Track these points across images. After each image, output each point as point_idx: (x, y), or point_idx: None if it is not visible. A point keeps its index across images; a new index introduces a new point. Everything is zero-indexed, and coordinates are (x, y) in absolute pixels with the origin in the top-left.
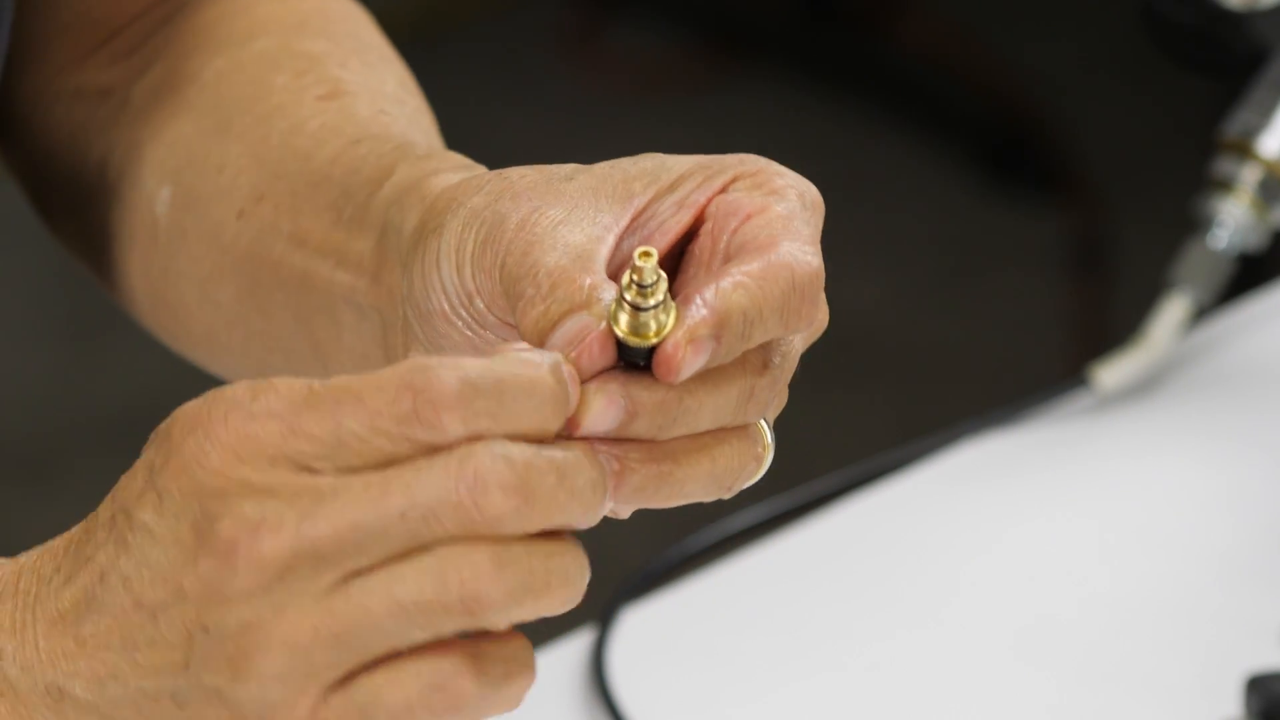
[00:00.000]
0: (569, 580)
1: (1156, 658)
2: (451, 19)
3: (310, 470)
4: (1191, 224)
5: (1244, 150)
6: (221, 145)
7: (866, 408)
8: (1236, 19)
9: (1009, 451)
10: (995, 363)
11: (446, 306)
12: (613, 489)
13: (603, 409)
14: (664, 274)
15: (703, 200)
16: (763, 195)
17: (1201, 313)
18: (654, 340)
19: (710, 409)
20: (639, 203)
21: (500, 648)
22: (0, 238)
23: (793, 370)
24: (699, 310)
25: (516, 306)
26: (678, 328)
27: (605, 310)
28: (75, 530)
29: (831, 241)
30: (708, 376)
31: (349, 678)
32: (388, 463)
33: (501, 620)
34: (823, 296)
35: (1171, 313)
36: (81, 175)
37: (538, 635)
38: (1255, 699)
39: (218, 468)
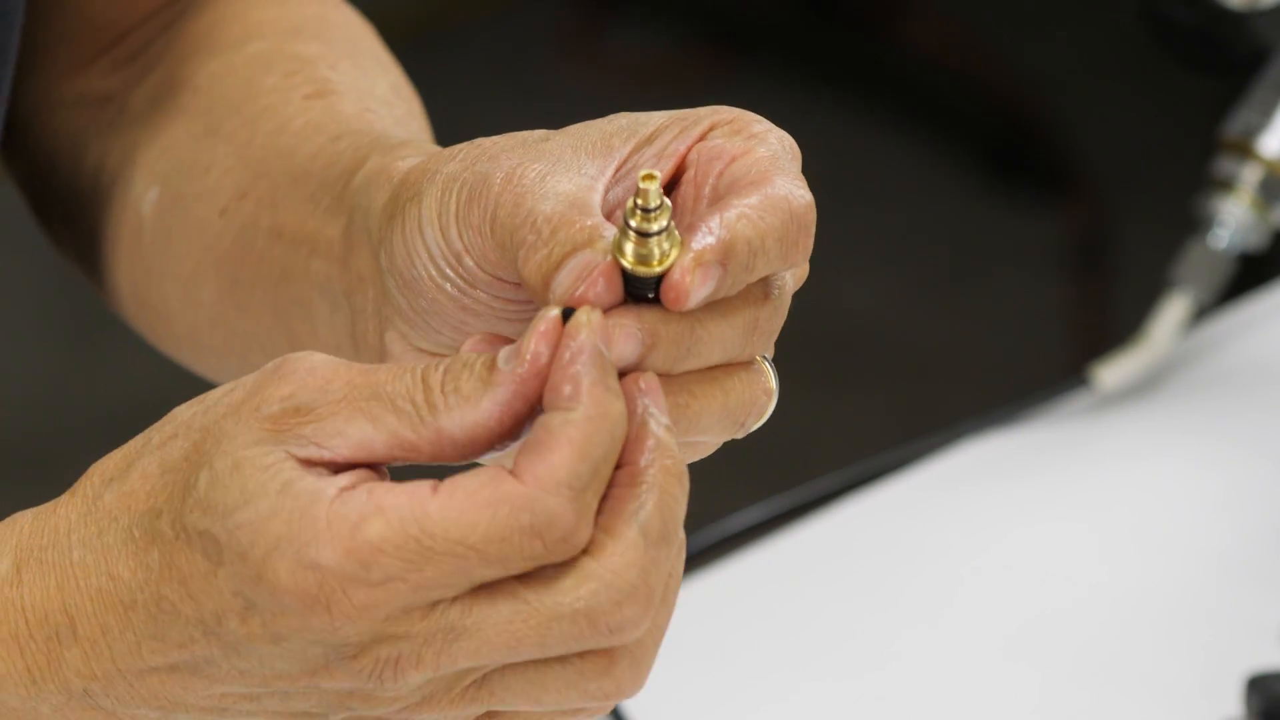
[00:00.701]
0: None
1: (1157, 658)
2: (451, 20)
3: (440, 604)
4: (1192, 223)
5: (1245, 150)
6: (210, 147)
7: (867, 408)
8: (1237, 19)
9: (1009, 451)
10: (995, 362)
11: (433, 271)
12: (663, 400)
13: (622, 342)
14: (668, 200)
15: (682, 149)
16: (744, 140)
17: (1202, 312)
18: (659, 269)
19: (720, 340)
20: (620, 155)
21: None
22: (0, 238)
23: (787, 308)
24: (705, 237)
25: (517, 255)
26: (684, 254)
27: (609, 245)
28: (133, 581)
29: (832, 241)
30: (716, 307)
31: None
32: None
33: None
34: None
35: (1172, 312)
36: (77, 180)
37: None
38: (1256, 699)
39: (351, 636)
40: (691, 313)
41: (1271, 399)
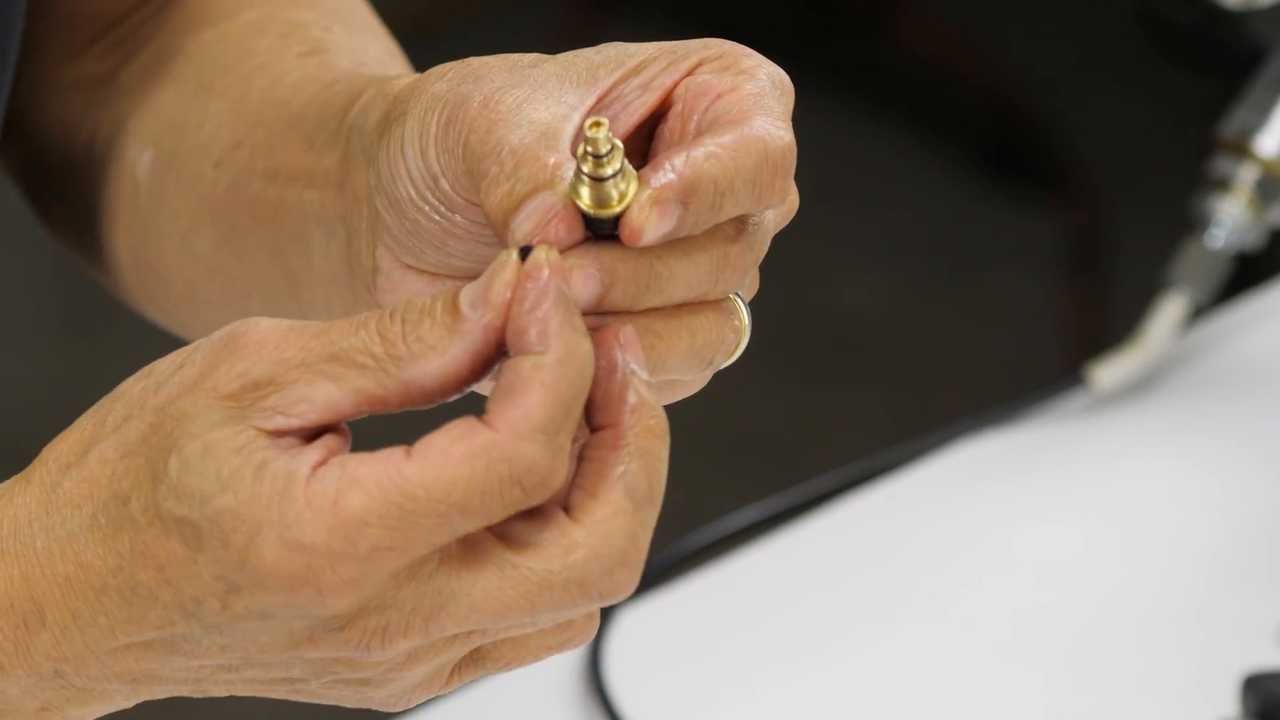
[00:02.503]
0: None
1: (1153, 657)
2: (451, 19)
3: (426, 563)
4: (1189, 223)
5: (1241, 149)
6: (202, 105)
7: (863, 407)
8: (1234, 18)
9: (1006, 450)
10: (992, 362)
11: (413, 192)
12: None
13: (580, 284)
14: (619, 142)
15: (669, 83)
16: (732, 76)
17: (1199, 312)
18: (618, 209)
19: (683, 277)
20: (604, 85)
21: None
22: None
23: (766, 246)
24: (666, 175)
25: (480, 185)
26: (642, 191)
27: (567, 189)
28: (103, 567)
29: (828, 240)
30: (679, 244)
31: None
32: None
33: None
34: (792, 179)
35: (1169, 312)
36: (71, 158)
37: None
38: (1252, 698)
39: (340, 610)
40: (652, 249)
41: (1268, 398)
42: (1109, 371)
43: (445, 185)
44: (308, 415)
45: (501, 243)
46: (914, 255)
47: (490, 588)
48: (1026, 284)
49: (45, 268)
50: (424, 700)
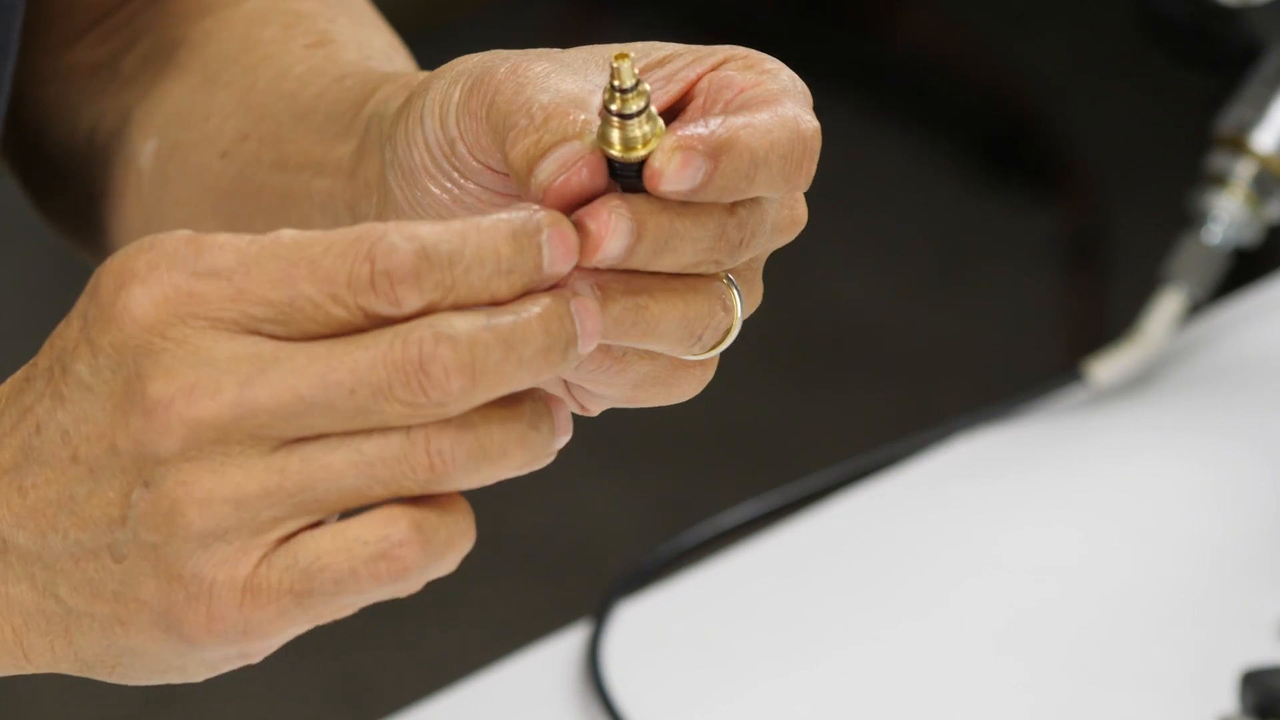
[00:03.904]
0: (526, 445)
1: (1151, 652)
2: (448, 18)
3: (255, 334)
4: (1186, 219)
5: (1238, 145)
6: (208, 96)
7: (860, 403)
8: (1231, 14)
9: (1003, 447)
10: (989, 358)
11: (427, 159)
12: (591, 322)
13: (615, 227)
14: (647, 86)
15: (693, 76)
16: (755, 74)
17: (1196, 308)
18: (642, 152)
19: (692, 240)
20: None
21: (444, 516)
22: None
23: (758, 236)
24: (696, 127)
25: (506, 138)
26: (667, 136)
27: (595, 137)
28: (16, 376)
29: (825, 237)
30: (692, 206)
31: (291, 536)
32: (339, 330)
33: (459, 485)
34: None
35: (1166, 308)
36: (70, 146)
37: (531, 631)
38: (1251, 693)
39: (152, 325)
40: (672, 206)
41: (1266, 394)
42: (1106, 367)
43: (462, 149)
44: None
45: (522, 193)
46: (910, 251)
47: (317, 354)
48: (1023, 280)
49: (45, 268)
50: (244, 626)
